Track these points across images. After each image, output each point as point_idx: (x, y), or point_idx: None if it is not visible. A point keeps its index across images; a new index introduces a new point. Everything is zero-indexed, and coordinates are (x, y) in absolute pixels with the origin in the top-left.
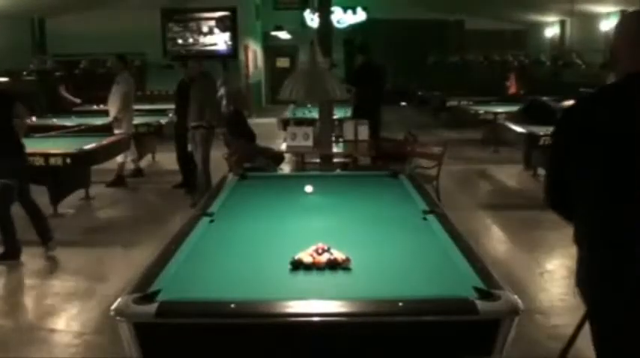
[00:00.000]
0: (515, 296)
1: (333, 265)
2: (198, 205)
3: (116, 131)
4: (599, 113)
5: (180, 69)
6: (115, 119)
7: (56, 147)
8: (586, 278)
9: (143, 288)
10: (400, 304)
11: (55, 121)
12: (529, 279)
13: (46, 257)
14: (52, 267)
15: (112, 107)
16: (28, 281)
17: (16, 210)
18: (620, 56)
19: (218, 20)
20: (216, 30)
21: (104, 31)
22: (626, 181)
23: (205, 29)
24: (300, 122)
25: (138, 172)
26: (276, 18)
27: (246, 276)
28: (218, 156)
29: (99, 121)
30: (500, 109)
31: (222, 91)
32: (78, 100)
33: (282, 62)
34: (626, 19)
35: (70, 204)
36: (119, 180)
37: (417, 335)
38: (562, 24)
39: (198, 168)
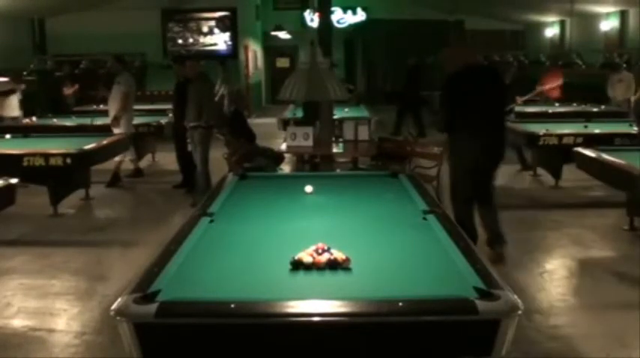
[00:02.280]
0: (515, 296)
1: (333, 265)
2: (198, 205)
3: (115, 130)
4: (463, 80)
5: (180, 69)
6: (115, 118)
7: (56, 147)
8: (462, 144)
9: (143, 288)
10: (400, 304)
11: (55, 121)
12: (529, 279)
13: None
14: (52, 267)
15: (113, 107)
16: (28, 281)
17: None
18: (459, 59)
19: (218, 20)
20: (216, 30)
21: (104, 31)
22: (477, 110)
23: (205, 29)
24: (300, 122)
25: (137, 172)
26: (276, 18)
27: (246, 276)
28: (218, 156)
29: (99, 121)
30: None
31: (222, 91)
32: (75, 85)
33: (282, 62)
34: (451, 48)
35: (70, 204)
36: (115, 179)
37: (417, 335)
38: (562, 24)
39: (198, 168)
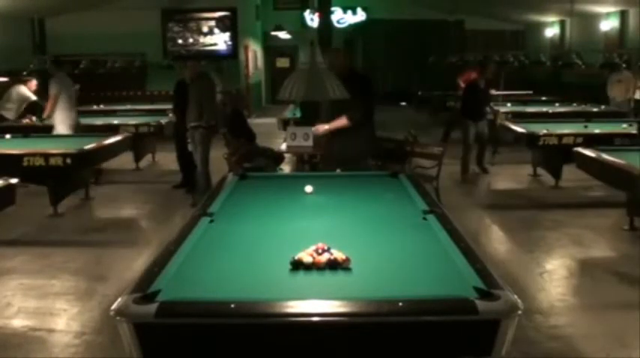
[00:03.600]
0: (515, 296)
1: (333, 265)
2: (198, 205)
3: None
4: (356, 83)
5: (182, 69)
6: (47, 118)
7: (56, 147)
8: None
9: (143, 288)
10: (400, 304)
11: None
12: (529, 279)
13: None
14: (52, 267)
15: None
16: (28, 281)
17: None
18: (343, 65)
19: (218, 20)
20: (216, 30)
21: (104, 31)
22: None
23: (205, 29)
24: (300, 122)
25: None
26: (276, 18)
27: (246, 276)
28: (218, 156)
29: (99, 121)
30: (500, 109)
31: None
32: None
33: (282, 62)
34: (333, 51)
35: (70, 204)
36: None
37: (417, 335)
38: (562, 24)
39: (198, 168)
